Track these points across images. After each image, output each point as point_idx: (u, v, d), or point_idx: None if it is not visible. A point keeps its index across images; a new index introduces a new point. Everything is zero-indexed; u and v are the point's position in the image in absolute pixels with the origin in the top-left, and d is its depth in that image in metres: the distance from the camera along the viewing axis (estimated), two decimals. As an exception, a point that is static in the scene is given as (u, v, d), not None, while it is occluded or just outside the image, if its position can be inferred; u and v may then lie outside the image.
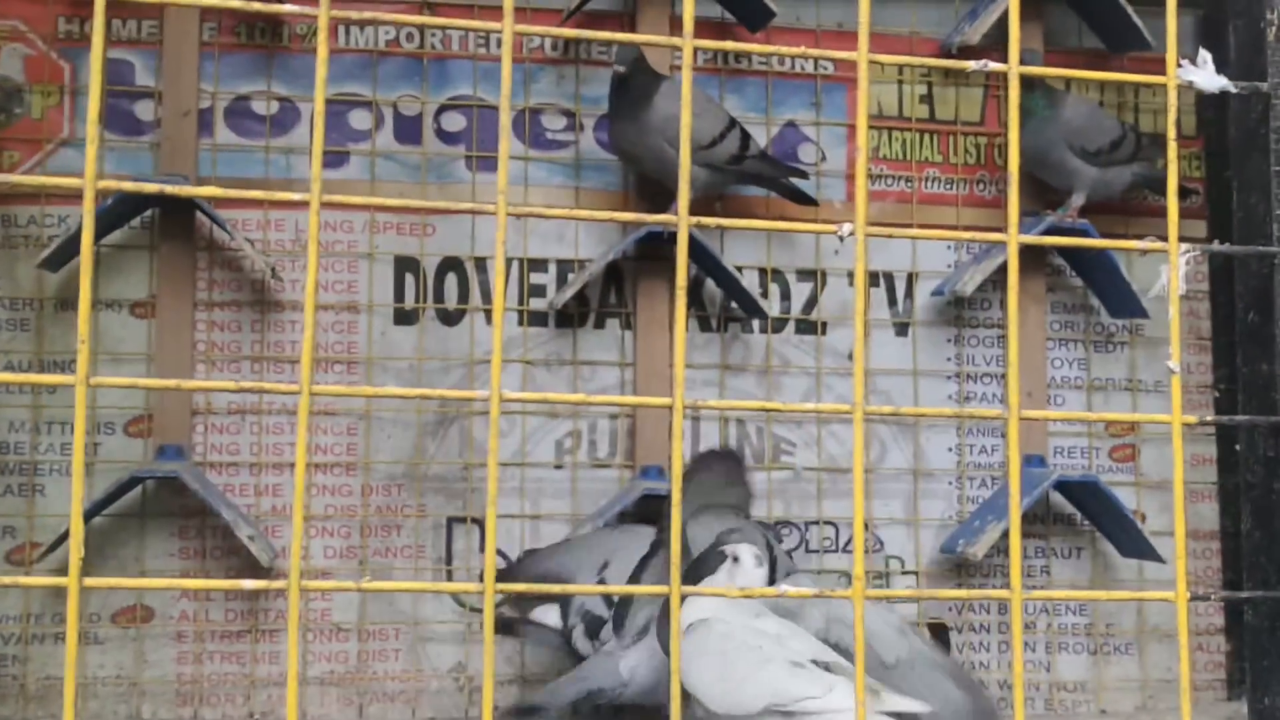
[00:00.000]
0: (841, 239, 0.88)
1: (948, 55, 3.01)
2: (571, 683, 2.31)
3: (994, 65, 0.88)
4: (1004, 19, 2.92)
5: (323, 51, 0.78)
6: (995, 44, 3.01)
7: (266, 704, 2.74)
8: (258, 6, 0.89)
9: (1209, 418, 0.89)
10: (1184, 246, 0.87)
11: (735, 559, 1.99)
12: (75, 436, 0.72)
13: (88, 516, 2.61)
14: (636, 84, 2.66)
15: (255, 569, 2.71)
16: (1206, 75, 0.89)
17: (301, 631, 2.75)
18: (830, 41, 3.03)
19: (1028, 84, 2.79)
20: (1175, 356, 0.86)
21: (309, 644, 2.75)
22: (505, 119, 0.81)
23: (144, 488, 2.70)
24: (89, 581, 0.74)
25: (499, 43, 2.92)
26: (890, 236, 0.80)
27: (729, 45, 0.89)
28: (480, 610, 2.80)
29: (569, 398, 0.91)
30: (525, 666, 2.80)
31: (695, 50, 2.93)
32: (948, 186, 3.04)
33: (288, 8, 0.91)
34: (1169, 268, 0.87)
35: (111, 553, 2.71)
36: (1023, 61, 2.80)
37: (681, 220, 0.83)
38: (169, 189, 0.82)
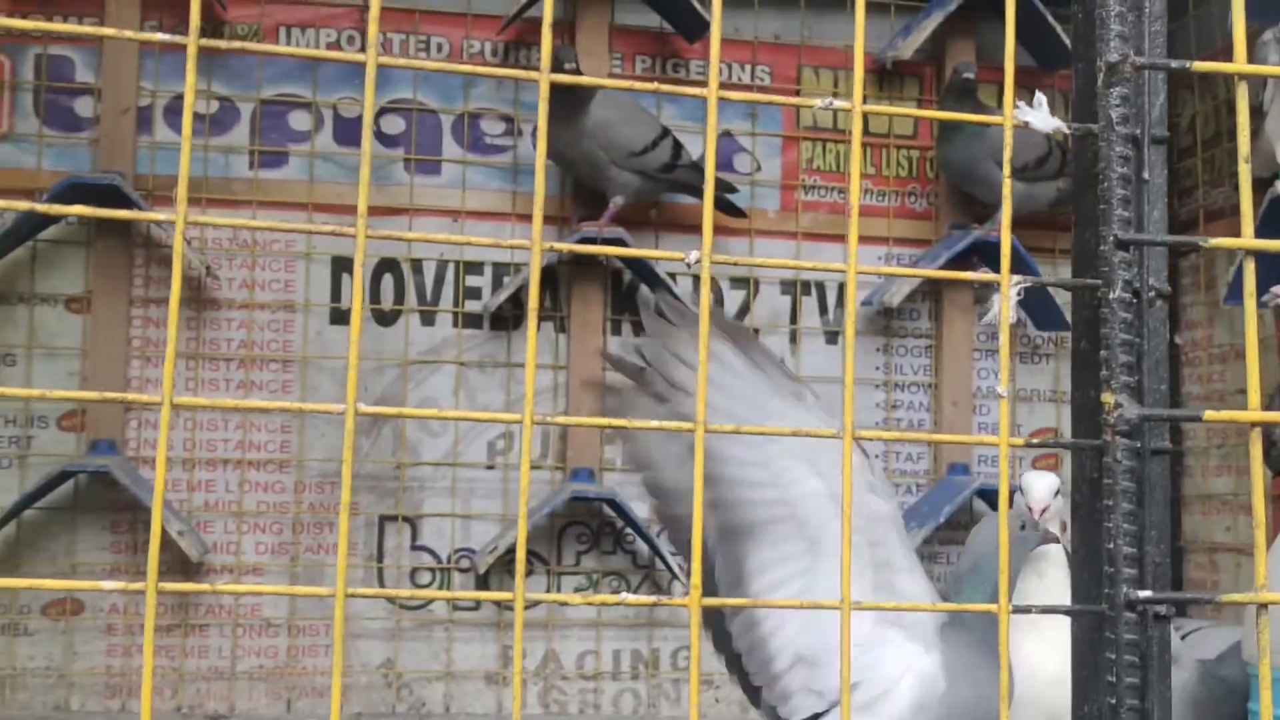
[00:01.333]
0: (689, 265, 0.92)
1: (881, 69, 3.08)
2: None
3: (838, 103, 0.93)
4: (936, 34, 2.98)
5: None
6: (928, 58, 3.08)
7: (195, 698, 2.76)
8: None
9: (1035, 440, 0.94)
10: (1015, 278, 0.92)
11: None
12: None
13: (19, 509, 2.63)
14: (573, 90, 2.70)
15: (185, 564, 2.74)
16: (1042, 116, 0.93)
17: (231, 626, 2.78)
18: (768, 53, 3.08)
19: (960, 98, 2.86)
20: (1004, 382, 0.91)
21: (239, 639, 2.78)
22: (367, 144, 0.85)
23: (76, 482, 2.72)
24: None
25: (439, 47, 2.96)
26: (735, 264, 0.83)
27: (583, 80, 0.92)
28: (411, 608, 2.84)
29: (425, 413, 0.93)
30: (452, 662, 2.84)
31: (635, 58, 2.99)
32: (880, 199, 3.10)
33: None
34: (1000, 297, 0.92)
35: (43, 546, 2.73)
36: (959, 74, 2.84)
37: (535, 245, 0.88)
38: (40, 207, 0.86)
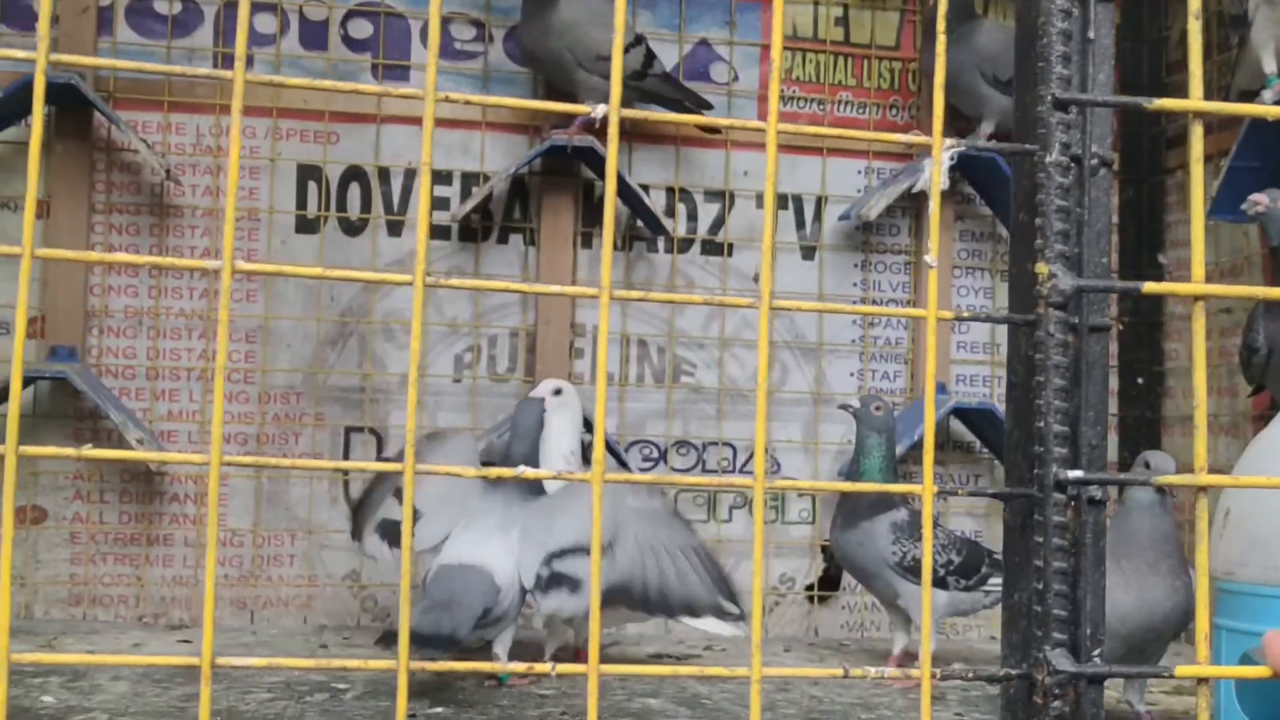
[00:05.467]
0: (595, 121, 0.87)
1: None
2: (460, 609, 2.05)
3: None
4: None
5: None
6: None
7: (158, 607, 2.74)
8: None
9: (965, 314, 0.88)
10: (948, 142, 0.87)
11: None
12: None
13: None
14: (543, -19, 2.63)
15: (146, 472, 2.70)
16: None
17: (195, 536, 2.75)
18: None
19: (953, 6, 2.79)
20: (934, 251, 0.86)
21: (202, 549, 2.75)
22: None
23: (35, 389, 2.68)
24: None
25: (409, -51, 2.88)
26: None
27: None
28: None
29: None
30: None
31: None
32: (860, 110, 3.03)
33: None
34: (932, 162, 0.87)
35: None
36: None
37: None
38: None
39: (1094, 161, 0.90)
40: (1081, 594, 0.87)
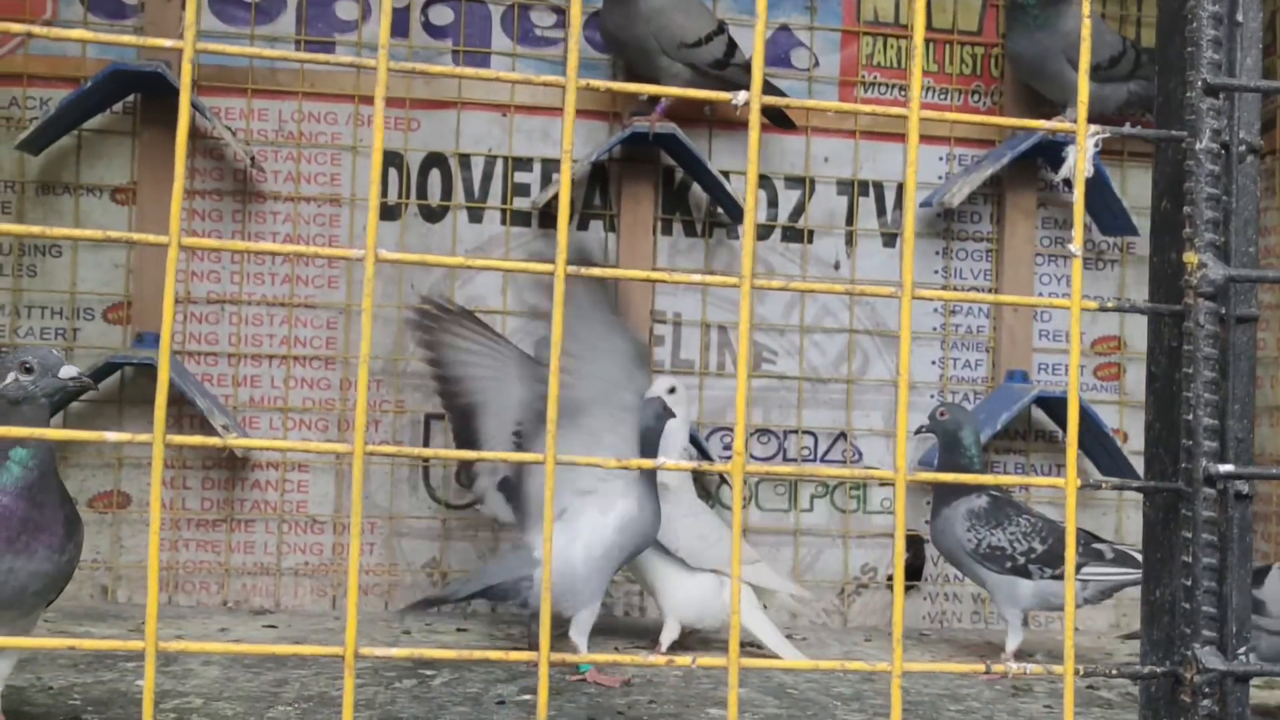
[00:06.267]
0: (736, 107, 0.85)
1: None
2: (478, 576, 2.28)
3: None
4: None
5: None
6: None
7: (240, 592, 2.76)
8: None
9: (1110, 304, 0.86)
10: (1093, 128, 0.85)
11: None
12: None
13: (65, 401, 2.62)
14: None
15: (231, 459, 2.73)
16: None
17: (277, 523, 2.77)
18: (828, -56, 2.97)
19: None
20: (1077, 240, 0.84)
21: (284, 535, 2.77)
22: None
23: (122, 374, 2.71)
24: None
25: (489, -65, 2.87)
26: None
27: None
28: (457, 507, 2.82)
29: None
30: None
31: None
32: (942, 96, 2.99)
33: None
34: (1075, 147, 0.85)
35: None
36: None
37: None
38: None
39: (1242, 148, 0.88)
40: (1228, 590, 0.85)
